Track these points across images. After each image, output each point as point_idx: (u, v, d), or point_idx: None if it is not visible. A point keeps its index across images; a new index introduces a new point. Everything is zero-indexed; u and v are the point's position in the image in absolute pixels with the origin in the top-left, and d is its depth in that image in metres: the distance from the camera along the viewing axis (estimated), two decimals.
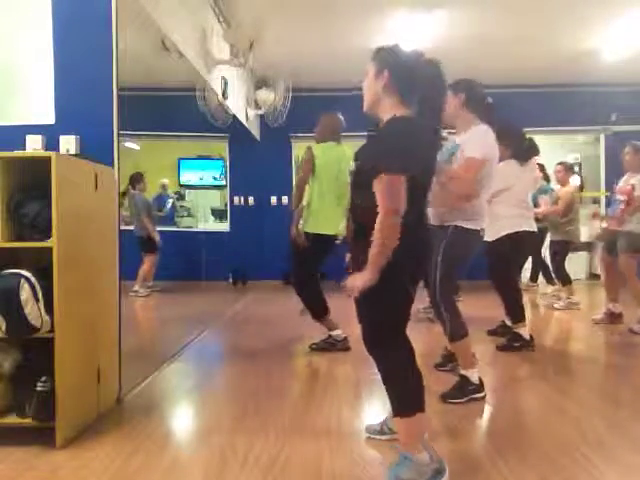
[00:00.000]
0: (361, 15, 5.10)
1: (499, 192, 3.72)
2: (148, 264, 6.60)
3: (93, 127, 2.69)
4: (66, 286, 2.20)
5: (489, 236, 3.69)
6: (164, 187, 8.37)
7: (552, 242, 5.74)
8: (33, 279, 2.14)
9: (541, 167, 5.44)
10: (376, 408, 2.61)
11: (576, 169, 7.33)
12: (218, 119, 5.38)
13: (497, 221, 3.73)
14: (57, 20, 2.70)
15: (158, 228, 6.81)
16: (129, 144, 7.14)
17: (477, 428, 2.56)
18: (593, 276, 7.66)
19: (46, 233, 2.18)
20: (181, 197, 8.91)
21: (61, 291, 2.16)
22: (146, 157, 8.07)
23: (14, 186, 2.26)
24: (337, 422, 2.49)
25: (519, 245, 3.95)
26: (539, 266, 6.59)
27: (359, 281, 1.73)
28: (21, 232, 2.26)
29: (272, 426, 2.41)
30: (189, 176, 8.97)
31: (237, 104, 5.84)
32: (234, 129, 6.30)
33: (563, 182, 5.74)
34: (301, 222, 3.79)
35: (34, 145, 2.64)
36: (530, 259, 6.49)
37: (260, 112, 6.58)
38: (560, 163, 5.91)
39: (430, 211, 2.38)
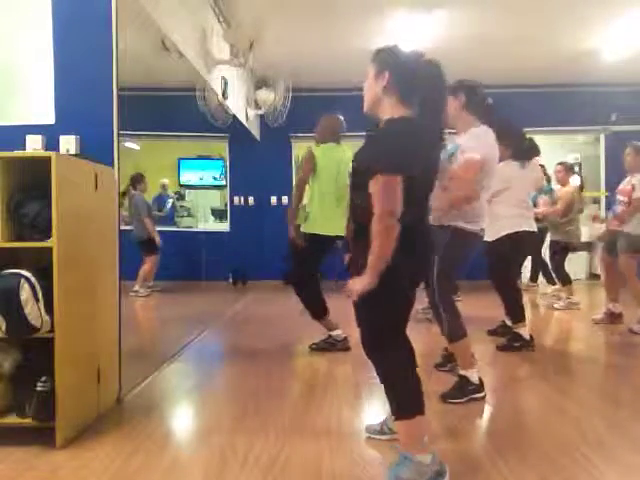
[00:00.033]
0: (361, 15, 5.10)
1: (499, 192, 3.72)
2: (149, 264, 6.60)
3: (93, 127, 2.69)
4: (66, 286, 2.20)
5: (489, 236, 3.69)
6: (164, 187, 8.38)
7: (552, 242, 5.74)
8: (33, 279, 2.14)
9: (541, 167, 5.43)
10: (376, 408, 2.61)
11: (576, 169, 7.34)
12: (218, 119, 5.38)
13: (497, 221, 3.74)
14: (57, 20, 2.70)
15: (158, 228, 6.81)
16: (129, 144, 7.14)
17: (477, 428, 2.56)
18: (593, 276, 7.66)
19: (46, 233, 2.18)
20: (181, 197, 8.91)
21: (61, 291, 2.16)
22: (146, 157, 8.07)
23: (14, 186, 2.26)
24: (337, 422, 2.49)
25: (519, 245, 3.95)
26: (539, 266, 6.59)
27: (359, 285, 1.72)
28: (21, 232, 2.26)
29: (272, 426, 2.41)
30: (189, 176, 8.98)
31: (237, 104, 5.84)
32: (234, 129, 6.30)
33: (563, 182, 5.75)
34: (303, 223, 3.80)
35: (34, 145, 2.64)
36: (530, 259, 6.50)
37: (260, 112, 6.58)
38: (560, 163, 5.91)
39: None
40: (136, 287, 6.49)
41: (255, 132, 7.26)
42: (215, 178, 8.82)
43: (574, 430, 2.38)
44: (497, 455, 2.11)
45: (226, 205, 8.23)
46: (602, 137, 7.84)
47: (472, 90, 2.87)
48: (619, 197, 4.59)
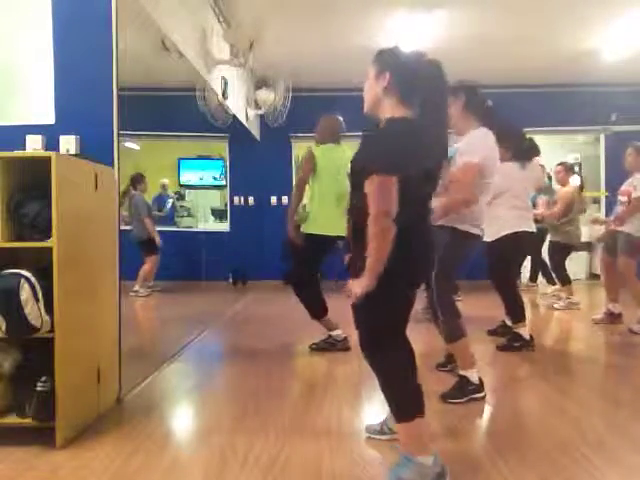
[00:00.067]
0: (361, 15, 5.10)
1: (499, 193, 3.72)
2: (149, 264, 6.60)
3: (93, 127, 2.69)
4: (66, 286, 2.20)
5: (489, 236, 3.70)
6: (164, 187, 8.38)
7: (551, 242, 5.74)
8: (33, 279, 2.14)
9: (541, 167, 5.43)
10: (376, 408, 2.60)
11: (576, 169, 7.34)
12: (218, 119, 5.38)
13: (496, 221, 3.74)
14: (57, 20, 2.70)
15: (158, 228, 6.81)
16: (129, 144, 7.14)
17: (477, 428, 2.56)
18: (593, 276, 7.66)
19: (46, 233, 2.18)
20: (181, 197, 8.91)
21: (61, 291, 2.16)
22: (146, 157, 8.07)
23: (14, 186, 2.26)
24: (337, 422, 2.49)
25: (518, 245, 3.96)
26: (538, 266, 6.60)
27: (358, 288, 1.72)
28: (21, 232, 2.26)
29: (272, 426, 2.41)
30: (189, 176, 8.97)
31: (237, 104, 5.84)
32: (234, 129, 6.30)
33: (563, 182, 5.75)
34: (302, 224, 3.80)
35: (34, 145, 2.64)
36: (529, 259, 6.50)
37: (260, 112, 6.58)
38: (560, 163, 5.91)
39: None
40: (136, 287, 6.49)
41: (255, 132, 7.26)
42: (215, 178, 8.82)
43: (574, 430, 2.38)
44: (497, 455, 2.11)
45: (226, 205, 8.23)
46: (602, 137, 7.84)
47: (471, 92, 2.87)
48: (620, 198, 4.59)
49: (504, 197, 3.80)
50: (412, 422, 1.82)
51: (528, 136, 4.15)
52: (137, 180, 6.70)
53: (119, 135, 2.76)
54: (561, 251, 5.63)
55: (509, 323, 4.06)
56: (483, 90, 2.99)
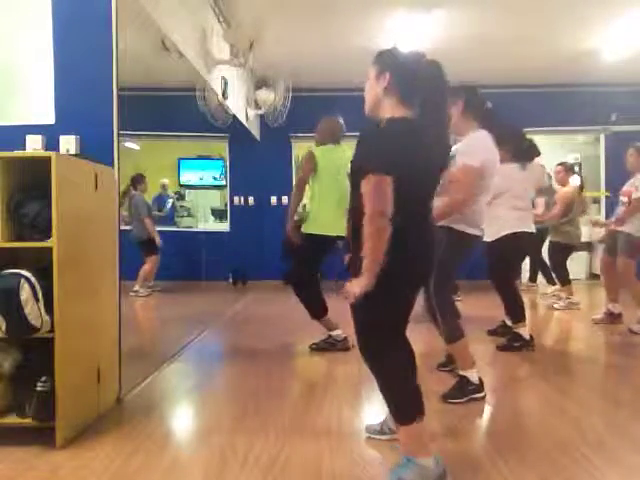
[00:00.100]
0: (361, 15, 5.11)
1: (499, 194, 3.73)
2: (150, 265, 6.60)
3: (93, 127, 2.69)
4: (66, 286, 2.20)
5: (489, 236, 3.71)
6: (164, 187, 8.38)
7: (551, 243, 5.74)
8: (33, 279, 2.14)
9: (542, 168, 5.44)
10: (376, 408, 2.60)
11: (576, 169, 7.34)
12: (218, 119, 5.38)
13: (497, 222, 3.75)
14: (57, 20, 2.70)
15: (158, 228, 6.81)
16: (129, 144, 7.14)
17: (477, 428, 2.56)
18: (593, 276, 7.66)
19: (46, 233, 2.18)
20: (181, 197, 8.91)
21: (61, 291, 2.16)
22: (146, 157, 8.07)
23: (14, 186, 2.26)
24: (337, 422, 2.49)
25: (518, 245, 3.96)
26: (538, 266, 6.59)
27: (356, 288, 1.71)
28: (21, 232, 2.26)
29: (272, 426, 2.41)
30: (189, 176, 8.97)
31: (237, 104, 5.84)
32: (234, 129, 6.30)
33: (563, 182, 5.75)
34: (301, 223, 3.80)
35: (34, 145, 2.64)
36: (528, 259, 6.50)
37: (260, 112, 6.58)
38: (560, 164, 5.91)
39: None
40: (136, 287, 6.49)
41: (255, 132, 7.26)
42: (215, 178, 8.82)
43: (574, 430, 2.38)
44: (497, 455, 2.11)
45: (226, 205, 8.23)
46: (602, 137, 7.84)
47: (471, 94, 2.87)
48: (621, 198, 4.60)
49: (504, 198, 3.80)
50: (413, 424, 1.82)
51: (528, 136, 4.15)
52: (137, 180, 6.71)
53: (119, 135, 2.76)
54: (562, 251, 5.63)
55: (509, 323, 4.06)
56: (483, 90, 3.00)
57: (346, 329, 3.76)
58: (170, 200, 8.30)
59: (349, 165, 1.92)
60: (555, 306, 5.64)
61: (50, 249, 2.15)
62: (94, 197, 2.49)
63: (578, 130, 8.06)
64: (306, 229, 3.79)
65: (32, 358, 2.28)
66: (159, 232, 6.74)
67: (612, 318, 4.73)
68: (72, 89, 2.71)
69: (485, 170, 2.73)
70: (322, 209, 3.79)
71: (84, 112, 2.70)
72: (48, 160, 2.14)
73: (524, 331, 3.86)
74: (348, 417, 2.58)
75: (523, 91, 7.33)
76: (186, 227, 8.30)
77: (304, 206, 3.97)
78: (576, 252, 6.02)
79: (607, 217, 7.24)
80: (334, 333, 3.83)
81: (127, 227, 6.36)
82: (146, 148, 8.02)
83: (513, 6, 4.96)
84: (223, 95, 5.15)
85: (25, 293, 2.10)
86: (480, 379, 2.78)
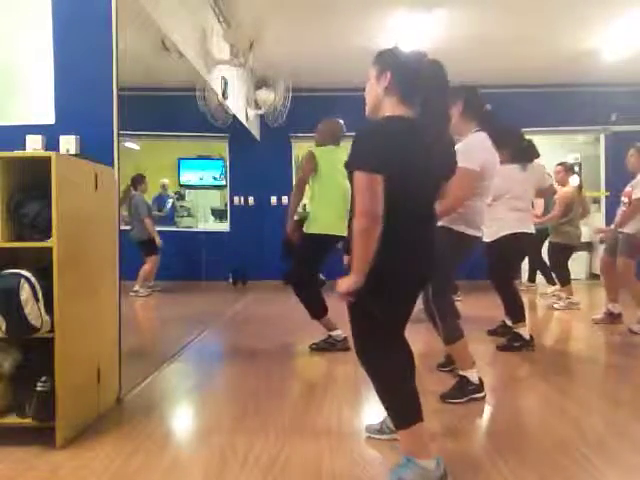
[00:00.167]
0: (361, 15, 5.11)
1: (499, 195, 3.74)
2: (150, 265, 6.59)
3: (93, 127, 2.69)
4: (66, 286, 2.20)
5: (488, 237, 3.71)
6: (164, 187, 8.39)
7: (551, 243, 5.74)
8: (33, 279, 2.14)
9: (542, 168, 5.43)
10: (376, 408, 2.60)
11: (576, 169, 7.33)
12: (218, 119, 5.37)
13: (496, 222, 3.77)
14: (57, 20, 2.70)
15: (158, 228, 6.81)
16: (129, 144, 7.14)
17: (477, 428, 2.56)
18: (593, 276, 7.66)
19: (46, 233, 2.18)
20: (181, 197, 8.91)
21: (61, 291, 2.16)
22: (146, 157, 8.07)
23: (14, 186, 2.26)
24: (337, 422, 2.49)
25: (517, 246, 3.96)
26: (538, 266, 6.59)
27: (344, 286, 1.71)
28: (21, 232, 2.26)
29: (272, 426, 2.41)
30: (189, 176, 8.97)
31: (237, 104, 5.84)
32: (234, 129, 6.30)
33: (563, 182, 5.75)
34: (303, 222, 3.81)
35: (34, 145, 2.64)
36: (527, 260, 6.50)
37: (260, 112, 6.58)
38: (560, 164, 5.92)
39: None
40: (136, 287, 6.49)
41: (255, 132, 7.26)
42: (215, 178, 8.82)
43: (574, 430, 2.38)
44: (497, 455, 2.11)
45: (226, 205, 8.23)
46: (602, 137, 7.84)
47: (470, 95, 2.87)
48: (622, 199, 4.60)
49: (504, 198, 3.82)
50: (412, 427, 1.81)
51: (527, 137, 4.15)
52: (137, 180, 6.71)
53: (119, 135, 2.76)
54: (562, 252, 5.62)
55: (509, 323, 4.06)
56: (483, 90, 3.00)
57: (346, 329, 3.73)
58: (170, 200, 8.30)
59: None
60: (555, 306, 5.64)
61: (50, 249, 2.15)
62: (94, 197, 2.49)
63: (578, 130, 8.06)
64: (306, 229, 3.80)
65: (32, 358, 2.28)
66: (159, 232, 6.73)
67: (612, 318, 4.73)
68: (72, 89, 2.71)
69: (485, 171, 2.73)
70: (322, 209, 3.79)
71: (84, 112, 2.70)
72: (48, 160, 2.14)
73: (524, 331, 3.86)
74: (348, 417, 2.58)
75: (523, 91, 7.33)
76: (186, 227, 8.30)
77: (304, 206, 3.97)
78: (576, 252, 6.02)
79: (607, 216, 7.28)
80: (334, 333, 3.84)
81: (127, 227, 6.36)
82: (146, 148, 8.01)
83: (513, 6, 4.96)
84: (223, 95, 5.15)
85: (25, 293, 2.10)
86: (480, 379, 2.78)
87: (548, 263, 5.99)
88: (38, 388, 2.16)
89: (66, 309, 2.20)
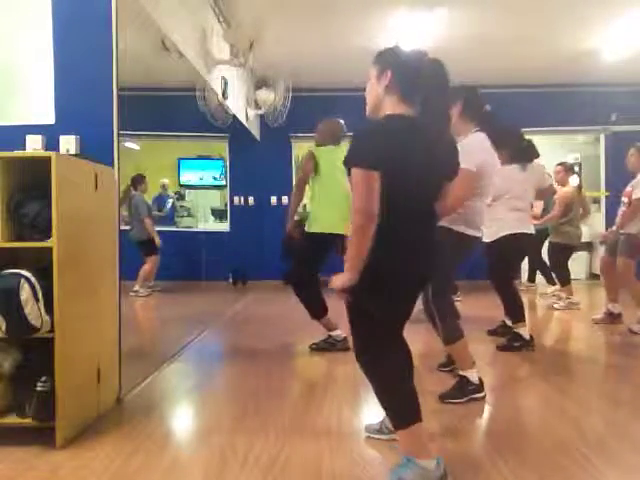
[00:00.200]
0: (361, 14, 5.10)
1: (499, 195, 3.75)
2: (150, 265, 6.59)
3: (93, 127, 2.69)
4: (66, 286, 2.20)
5: (488, 237, 3.72)
6: (164, 187, 8.39)
7: (551, 243, 5.74)
8: (33, 279, 2.14)
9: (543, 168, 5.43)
10: (376, 408, 2.60)
11: (576, 169, 7.33)
12: (218, 119, 5.38)
13: (496, 223, 3.78)
14: (57, 20, 2.70)
15: (158, 228, 6.81)
16: (129, 144, 7.14)
17: (477, 428, 2.56)
18: (593, 276, 7.66)
19: (46, 233, 2.18)
20: (181, 197, 8.91)
21: (61, 291, 2.16)
22: (146, 157, 8.08)
23: (14, 186, 2.26)
24: (337, 422, 2.49)
25: (516, 246, 3.96)
26: (538, 266, 6.59)
27: (339, 282, 1.71)
28: (21, 232, 2.26)
29: (272, 426, 2.41)
30: (189, 176, 8.97)
31: (237, 104, 5.84)
32: (234, 129, 6.30)
33: (563, 182, 5.75)
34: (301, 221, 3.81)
35: (34, 145, 2.64)
36: (527, 260, 6.50)
37: (260, 112, 6.58)
38: (560, 164, 5.92)
39: None
40: (136, 287, 6.49)
41: (255, 132, 7.26)
42: (215, 178, 8.82)
43: (574, 430, 2.38)
44: (497, 455, 2.11)
45: (226, 205, 8.23)
46: (602, 137, 7.84)
47: (470, 96, 2.87)
48: (623, 199, 4.60)
49: (504, 199, 3.82)
50: (411, 428, 1.80)
51: (526, 137, 4.15)
52: (137, 181, 6.71)
53: (119, 135, 2.76)
54: (562, 252, 5.62)
55: (509, 323, 4.06)
56: (483, 90, 3.00)
57: (346, 329, 3.75)
58: (170, 200, 8.30)
59: None
60: (555, 306, 5.64)
61: (50, 249, 2.15)
62: (94, 197, 2.49)
63: (578, 130, 8.06)
64: (308, 229, 3.81)
65: (32, 358, 2.28)
66: (159, 232, 6.73)
67: (612, 318, 4.73)
68: (72, 89, 2.71)
69: (484, 171, 2.73)
70: (322, 209, 3.79)
71: (84, 112, 2.70)
72: (48, 160, 2.14)
73: (524, 331, 3.86)
74: (348, 417, 2.58)
75: (523, 91, 7.33)
76: (186, 227, 8.30)
77: (304, 206, 3.97)
78: (576, 252, 6.02)
79: (607, 216, 7.28)
80: (334, 333, 3.84)
81: (126, 227, 6.36)
82: (146, 148, 8.02)
83: (513, 6, 4.96)
84: (223, 95, 5.15)
85: (25, 293, 2.10)
86: (480, 379, 2.78)
87: (548, 263, 5.99)
88: (38, 388, 2.16)
89: (66, 309, 2.20)
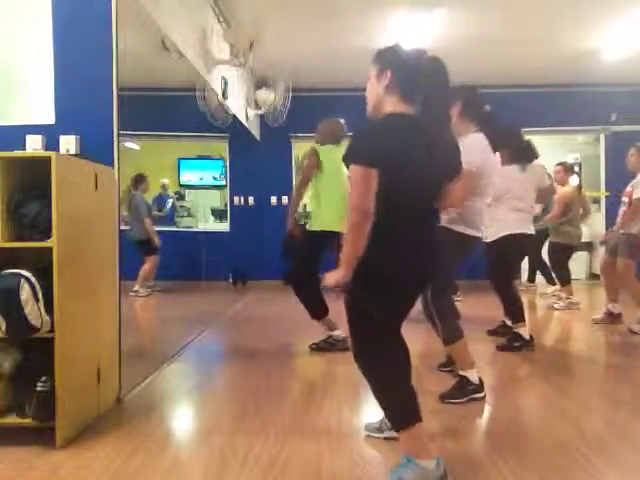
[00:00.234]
0: (361, 15, 5.10)
1: (499, 195, 3.75)
2: (149, 264, 6.59)
3: (93, 127, 2.69)
4: (66, 286, 2.20)
5: (488, 237, 3.71)
6: (164, 187, 8.39)
7: (551, 243, 5.73)
8: (33, 279, 2.14)
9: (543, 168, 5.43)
10: (376, 407, 2.60)
11: (576, 169, 7.33)
12: (218, 119, 5.38)
13: (496, 223, 3.78)
14: (57, 20, 2.70)
15: (158, 228, 6.81)
16: (129, 144, 7.14)
17: (477, 428, 2.56)
18: (593, 276, 7.66)
19: (46, 233, 2.18)
20: (181, 197, 8.92)
21: (61, 291, 2.16)
22: (146, 157, 8.08)
23: (14, 186, 2.26)
24: (337, 422, 2.49)
25: (516, 246, 3.96)
26: (538, 266, 6.59)
27: (332, 278, 1.71)
28: (21, 232, 2.26)
29: (272, 426, 2.41)
30: (189, 176, 8.98)
31: (237, 104, 5.84)
32: (234, 129, 6.30)
33: (563, 182, 5.75)
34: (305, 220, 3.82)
35: (34, 145, 2.64)
36: (527, 260, 6.50)
37: (260, 112, 6.58)
38: (560, 164, 5.91)
39: None
40: (136, 287, 6.49)
41: (255, 132, 7.26)
42: (215, 178, 8.83)
43: (574, 430, 2.38)
44: (497, 455, 2.11)
45: (226, 205, 8.24)
46: (602, 137, 7.84)
47: (469, 96, 2.87)
48: (623, 199, 4.60)
49: (505, 199, 3.82)
50: (411, 429, 1.80)
51: (526, 138, 4.15)
52: (138, 180, 6.71)
53: (119, 135, 2.76)
54: (562, 252, 5.62)
55: (509, 323, 4.06)
56: (483, 90, 3.00)
57: (346, 329, 3.75)
58: (170, 200, 8.30)
59: None
60: (555, 306, 5.64)
61: (50, 249, 2.15)
62: (94, 197, 2.49)
63: (578, 130, 8.07)
64: (309, 227, 3.82)
65: (32, 358, 2.28)
66: (159, 232, 6.73)
67: (612, 318, 4.73)
68: (72, 89, 2.71)
69: (483, 171, 2.73)
70: (323, 207, 3.79)
71: (84, 112, 2.70)
72: (48, 160, 2.14)
73: (524, 331, 3.86)
74: (348, 417, 2.58)
75: (523, 91, 7.33)
76: (186, 227, 8.30)
77: (304, 206, 3.97)
78: (576, 252, 6.02)
79: (607, 216, 7.28)
80: (334, 333, 3.83)
81: (126, 227, 6.36)
82: (146, 148, 8.02)
83: (513, 6, 4.96)
84: (223, 95, 5.15)
85: (25, 293, 2.10)
86: (480, 379, 2.78)
87: (548, 263, 5.99)
88: (38, 388, 2.16)
89: (66, 309, 2.20)
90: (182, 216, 8.51)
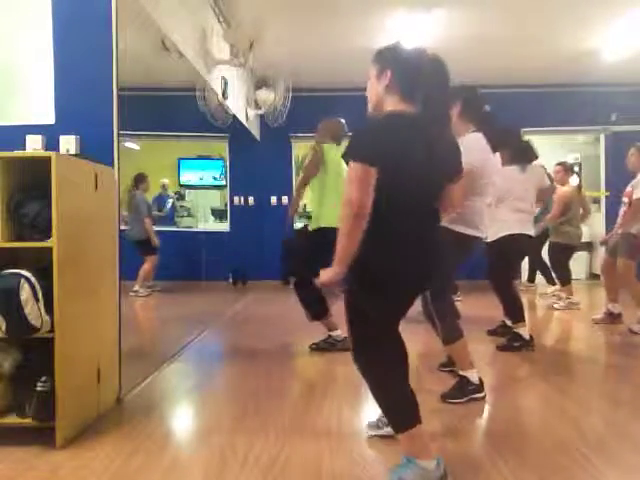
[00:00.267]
0: (361, 15, 5.11)
1: (500, 196, 3.75)
2: (149, 264, 6.59)
3: (93, 127, 2.69)
4: (66, 286, 2.20)
5: (489, 237, 3.71)
6: (164, 187, 8.39)
7: (551, 243, 5.74)
8: (33, 279, 2.14)
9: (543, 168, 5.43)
10: (376, 408, 2.60)
11: (576, 169, 7.33)
12: (218, 119, 5.38)
13: (497, 223, 3.79)
14: (57, 20, 2.70)
15: (158, 228, 6.82)
16: (129, 144, 7.14)
17: (477, 428, 2.56)
18: (593, 276, 7.66)
19: (46, 233, 2.18)
20: (181, 197, 8.92)
21: (61, 291, 2.16)
22: (146, 157, 8.08)
23: (14, 186, 2.26)
24: (337, 422, 2.49)
25: (516, 247, 3.96)
26: (538, 266, 6.59)
27: (326, 276, 1.71)
28: (21, 232, 2.26)
29: (272, 426, 2.41)
30: (189, 176, 8.98)
31: (237, 104, 5.84)
32: (234, 129, 6.30)
33: (562, 182, 5.75)
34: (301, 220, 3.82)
35: (34, 145, 2.64)
36: (527, 260, 6.50)
37: (260, 112, 6.58)
38: (560, 163, 5.91)
39: None
40: (136, 287, 6.49)
41: (255, 132, 7.26)
42: (215, 178, 8.83)
43: (574, 430, 2.38)
44: (497, 455, 2.11)
45: (226, 205, 8.24)
46: (602, 137, 7.84)
47: (469, 96, 2.87)
48: (623, 199, 4.60)
49: (505, 199, 3.82)
50: (411, 430, 1.80)
51: (526, 138, 4.16)
52: (139, 180, 6.70)
53: (119, 135, 2.76)
54: (562, 252, 5.62)
55: (509, 323, 4.06)
56: (483, 90, 3.00)
57: (345, 329, 3.75)
58: (170, 200, 8.30)
59: None
60: (555, 306, 5.64)
61: (50, 249, 2.15)
62: (94, 197, 2.49)
63: (578, 130, 8.07)
64: (312, 227, 3.83)
65: (32, 358, 2.28)
66: (159, 232, 6.73)
67: (612, 318, 4.73)
68: (72, 89, 2.71)
69: (482, 171, 2.72)
70: (323, 206, 3.80)
71: (84, 112, 2.70)
72: (48, 160, 2.14)
73: (524, 331, 3.86)
74: (348, 417, 2.58)
75: (523, 91, 7.33)
76: (186, 227, 8.30)
77: (304, 206, 3.97)
78: (576, 252, 6.02)
79: (607, 216, 7.28)
80: (334, 333, 3.84)
81: (126, 227, 6.36)
82: (146, 148, 8.02)
83: (513, 6, 4.96)
84: (223, 95, 5.15)
85: (25, 293, 2.10)
86: (480, 379, 2.78)
87: (548, 263, 5.99)
88: (38, 388, 2.16)
89: (66, 309, 2.20)
90: (182, 216, 8.51)
